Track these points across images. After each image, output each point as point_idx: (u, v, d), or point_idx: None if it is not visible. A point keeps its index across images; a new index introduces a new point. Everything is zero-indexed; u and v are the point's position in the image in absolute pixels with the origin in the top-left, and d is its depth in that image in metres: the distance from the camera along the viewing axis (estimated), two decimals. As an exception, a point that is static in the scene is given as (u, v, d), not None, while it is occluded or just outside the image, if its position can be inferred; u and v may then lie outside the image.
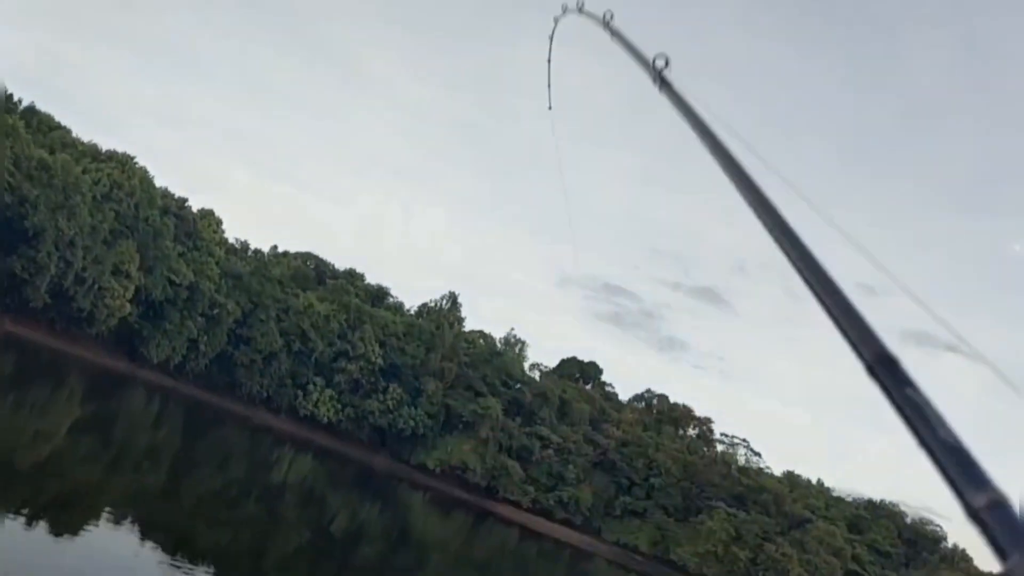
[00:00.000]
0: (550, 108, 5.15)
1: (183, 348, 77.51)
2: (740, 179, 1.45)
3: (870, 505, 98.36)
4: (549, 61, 4.28)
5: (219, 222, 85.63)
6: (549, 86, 4.79)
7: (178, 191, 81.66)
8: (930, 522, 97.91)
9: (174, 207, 78.80)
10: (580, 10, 2.93)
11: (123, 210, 70.20)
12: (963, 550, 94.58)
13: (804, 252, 1.21)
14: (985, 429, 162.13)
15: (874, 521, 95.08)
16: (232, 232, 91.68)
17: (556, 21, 3.53)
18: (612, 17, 2.55)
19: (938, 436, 0.80)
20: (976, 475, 0.75)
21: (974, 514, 0.70)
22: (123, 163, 72.67)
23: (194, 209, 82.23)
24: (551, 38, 4.02)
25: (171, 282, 74.96)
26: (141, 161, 75.07)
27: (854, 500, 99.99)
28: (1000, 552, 0.63)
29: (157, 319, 75.75)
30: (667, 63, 2.09)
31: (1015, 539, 0.64)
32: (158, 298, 74.52)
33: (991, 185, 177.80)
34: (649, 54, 2.12)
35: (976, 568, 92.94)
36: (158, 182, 76.79)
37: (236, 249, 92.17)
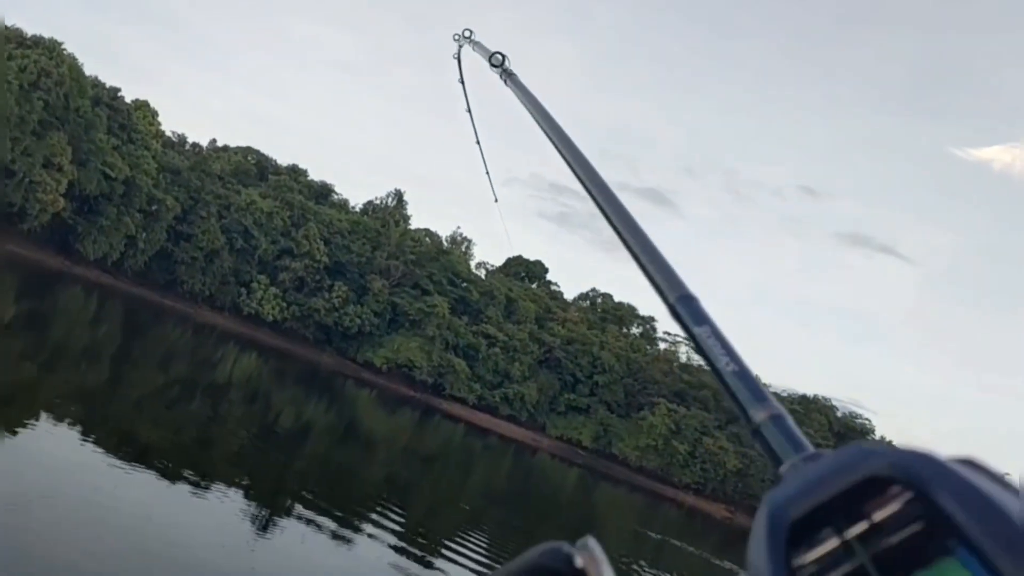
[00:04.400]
0: (477, 143, 4.81)
1: (120, 245, 75.67)
2: (570, 151, 1.65)
3: (803, 400, 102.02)
4: (462, 81, 4.09)
5: (155, 114, 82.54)
6: (470, 112, 4.37)
7: (109, 81, 78.31)
8: (859, 415, 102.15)
9: (106, 97, 75.56)
10: (468, 39, 3.24)
11: (52, 100, 67.08)
12: (890, 442, 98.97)
13: (618, 206, 1.39)
14: (913, 323, 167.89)
15: (807, 415, 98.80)
16: (168, 125, 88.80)
17: (458, 42, 3.48)
18: (472, 34, 3.13)
19: (727, 364, 0.89)
20: (757, 393, 0.83)
21: (755, 428, 0.79)
22: (50, 50, 69.00)
23: (127, 100, 78.99)
24: (457, 58, 3.85)
25: (106, 176, 72.52)
26: (69, 48, 71.48)
27: (788, 396, 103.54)
28: (775, 459, 0.71)
29: (92, 215, 73.56)
30: (504, 58, 2.47)
31: (788, 446, 0.72)
32: (92, 193, 72.17)
33: (935, 89, 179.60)
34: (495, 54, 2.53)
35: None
36: (87, 71, 73.36)
37: (173, 143, 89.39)
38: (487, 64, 2.60)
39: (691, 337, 0.99)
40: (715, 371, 0.90)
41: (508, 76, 2.39)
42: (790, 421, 0.76)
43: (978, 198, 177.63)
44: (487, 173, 4.57)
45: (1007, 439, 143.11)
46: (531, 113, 1.98)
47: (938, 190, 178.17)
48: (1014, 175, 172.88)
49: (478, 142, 4.52)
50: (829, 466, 0.50)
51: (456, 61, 3.88)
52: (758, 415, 0.79)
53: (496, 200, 4.94)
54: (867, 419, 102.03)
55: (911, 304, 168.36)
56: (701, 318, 1.00)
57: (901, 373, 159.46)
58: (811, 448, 0.70)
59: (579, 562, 0.47)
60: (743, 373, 0.88)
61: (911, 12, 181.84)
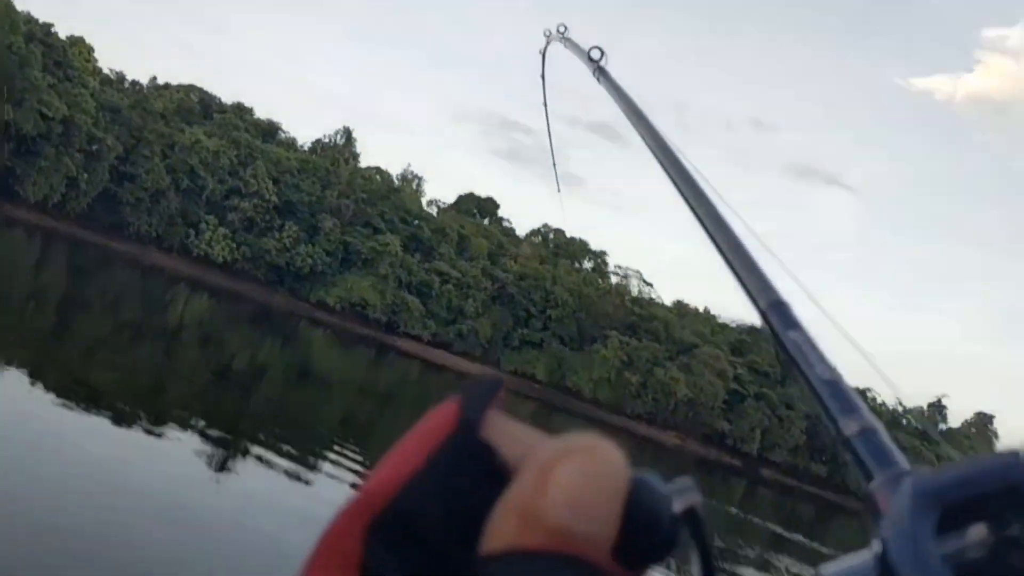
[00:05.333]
0: (559, 190, 4.59)
1: (61, 186, 73.80)
2: (662, 152, 1.62)
3: (752, 330, 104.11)
4: (543, 77, 3.89)
5: (91, 50, 79.81)
6: (546, 107, 4.11)
7: (42, 16, 75.34)
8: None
9: (39, 33, 72.80)
10: (563, 35, 3.03)
11: (-19, 36, 64.54)
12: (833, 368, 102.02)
13: (709, 205, 1.35)
14: (855, 250, 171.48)
15: (755, 344, 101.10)
16: (105, 62, 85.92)
17: (548, 37, 3.28)
18: (567, 29, 2.92)
19: (817, 372, 0.86)
20: (849, 404, 0.80)
21: (845, 440, 0.76)
22: (-24, -17, 66.16)
23: (62, 36, 76.19)
24: (543, 53, 3.65)
25: (43, 116, 70.30)
26: (-3, -19, 68.41)
27: (738, 326, 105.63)
28: (866, 474, 0.69)
29: (30, 155, 71.49)
30: (603, 55, 2.32)
31: (880, 461, 0.69)
32: (30, 133, 70.01)
33: (879, 18, 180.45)
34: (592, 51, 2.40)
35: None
36: (19, 6, 70.44)
37: (112, 80, 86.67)
38: (581, 60, 2.47)
39: (780, 343, 0.95)
40: (804, 379, 0.88)
41: (601, 73, 2.29)
42: (884, 435, 0.74)
43: (920, 127, 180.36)
44: (554, 166, 4.39)
45: (949, 364, 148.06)
46: (624, 112, 1.95)
47: (882, 120, 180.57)
48: (955, 104, 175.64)
49: (550, 138, 4.33)
50: (989, 467, 0.48)
51: (541, 56, 3.71)
52: (848, 427, 0.78)
53: (559, 190, 4.74)
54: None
55: (855, 232, 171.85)
56: (792, 323, 0.97)
57: (846, 301, 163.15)
58: (905, 465, 0.68)
59: None
60: (832, 381, 0.85)
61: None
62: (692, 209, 1.39)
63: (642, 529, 0.45)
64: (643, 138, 1.70)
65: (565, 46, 2.89)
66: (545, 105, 4.14)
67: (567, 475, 0.42)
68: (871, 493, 0.62)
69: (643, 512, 0.45)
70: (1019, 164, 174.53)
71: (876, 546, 0.50)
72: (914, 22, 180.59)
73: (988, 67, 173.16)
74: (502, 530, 0.41)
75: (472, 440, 0.45)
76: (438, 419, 0.47)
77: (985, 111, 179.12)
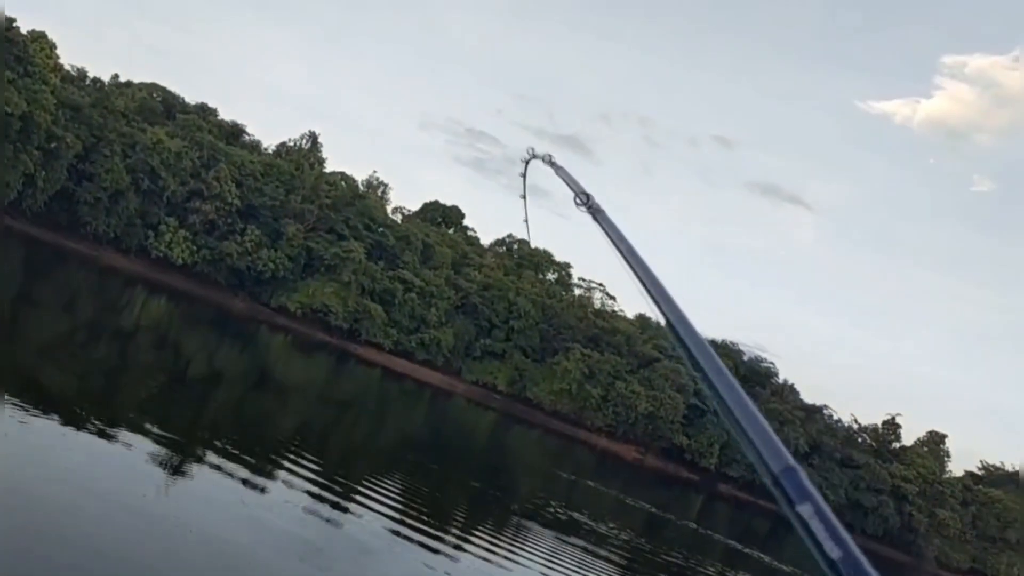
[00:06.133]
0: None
1: (18, 183, 72.24)
2: (659, 295, 1.60)
3: (712, 344, 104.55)
4: (524, 197, 4.35)
5: (52, 46, 78.36)
6: (527, 224, 4.70)
7: (4, 11, 73.90)
8: (764, 359, 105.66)
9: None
10: (533, 156, 3.46)
11: (-61, 28, 63.11)
12: (791, 384, 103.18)
13: (717, 367, 1.31)
14: (814, 269, 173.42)
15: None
16: (67, 58, 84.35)
17: (526, 163, 3.68)
18: (552, 158, 3.23)
19: (831, 550, 0.86)
20: None
21: None
22: (-65, -26, 64.65)
23: (23, 31, 74.76)
24: (524, 175, 4.02)
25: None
26: (-43, -27, 66.97)
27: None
28: None
29: (-13, 151, 69.93)
30: (590, 197, 2.50)
31: None
32: (-13, 128, 68.53)
33: (842, 43, 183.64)
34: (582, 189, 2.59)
35: (801, 400, 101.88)
36: (-22, -2, 68.98)
37: (73, 77, 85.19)
38: (571, 194, 2.59)
39: (794, 515, 0.94)
40: (819, 551, 0.88)
41: (596, 213, 2.39)
42: None
43: (878, 149, 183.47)
44: (527, 230, 4.76)
45: (904, 382, 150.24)
46: (619, 250, 1.96)
47: (842, 141, 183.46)
48: (913, 127, 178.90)
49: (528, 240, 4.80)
50: None
51: (522, 177, 3.97)
52: None
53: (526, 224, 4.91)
54: (771, 363, 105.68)
55: (813, 251, 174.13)
56: (805, 493, 0.96)
57: (803, 318, 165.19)
58: None
59: None
60: (850, 558, 0.85)
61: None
62: (692, 360, 1.33)
63: None
64: (639, 279, 1.66)
65: (556, 172, 3.06)
66: (527, 223, 4.46)
67: None
68: None
69: None
70: (974, 189, 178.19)
71: None
72: (876, 47, 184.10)
73: (946, 93, 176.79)
74: None
75: None
76: None
77: (942, 136, 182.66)
